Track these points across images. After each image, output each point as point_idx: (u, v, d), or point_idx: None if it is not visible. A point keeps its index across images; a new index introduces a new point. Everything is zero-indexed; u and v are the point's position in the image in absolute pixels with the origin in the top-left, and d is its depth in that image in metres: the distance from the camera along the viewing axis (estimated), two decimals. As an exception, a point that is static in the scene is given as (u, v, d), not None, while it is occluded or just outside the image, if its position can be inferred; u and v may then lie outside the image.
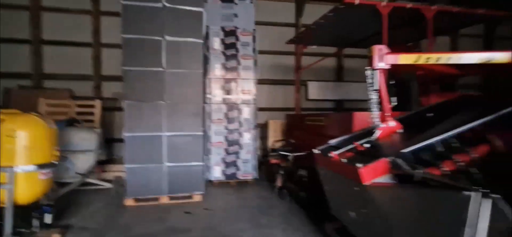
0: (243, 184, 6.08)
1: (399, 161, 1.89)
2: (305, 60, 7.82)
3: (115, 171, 6.26)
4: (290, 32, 8.53)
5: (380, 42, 4.11)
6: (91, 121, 6.62)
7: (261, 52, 8.15)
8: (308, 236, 3.59)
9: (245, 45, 6.18)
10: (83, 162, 5.61)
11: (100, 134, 6.16)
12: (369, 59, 2.37)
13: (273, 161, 6.01)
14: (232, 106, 6.07)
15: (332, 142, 2.73)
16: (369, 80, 2.32)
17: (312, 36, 5.79)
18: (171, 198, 4.96)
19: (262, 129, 7.91)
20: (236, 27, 6.14)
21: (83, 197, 5.10)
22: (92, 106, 6.75)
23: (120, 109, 7.23)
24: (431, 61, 2.32)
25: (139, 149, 4.77)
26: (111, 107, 7.81)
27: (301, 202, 4.72)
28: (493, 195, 1.25)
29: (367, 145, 2.29)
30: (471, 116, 2.39)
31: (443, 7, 3.67)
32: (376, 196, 1.88)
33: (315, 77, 8.53)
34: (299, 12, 8.53)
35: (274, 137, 7.46)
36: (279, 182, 5.42)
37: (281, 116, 7.84)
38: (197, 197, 5.01)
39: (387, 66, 2.31)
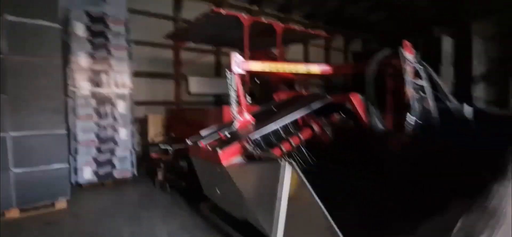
0: (121, 183, 5.76)
1: (247, 144, 2.51)
2: (185, 55, 8.03)
3: None
4: (169, 25, 8.48)
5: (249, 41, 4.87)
6: None
7: (139, 43, 7.79)
8: (187, 219, 3.96)
9: (116, 35, 5.76)
10: None
11: None
12: (229, 64, 2.91)
13: (154, 155, 6.00)
14: (104, 100, 5.59)
15: (203, 133, 3.16)
16: (229, 82, 2.86)
17: (190, 33, 6.06)
18: (23, 210, 4.19)
19: (142, 124, 7.62)
20: (105, 14, 5.64)
21: None
22: None
23: None
24: (274, 69, 3.11)
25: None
26: None
27: (182, 192, 5.03)
28: (292, 162, 1.98)
29: (228, 134, 2.84)
30: (300, 108, 3.34)
31: (288, 25, 4.82)
32: (231, 173, 2.44)
33: (196, 72, 8.86)
34: (177, 6, 8.56)
35: (154, 132, 7.34)
36: (160, 176, 5.50)
37: (162, 110, 7.78)
38: (61, 204, 4.42)
39: (242, 72, 2.91)
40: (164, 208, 4.45)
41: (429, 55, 9.30)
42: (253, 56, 6.35)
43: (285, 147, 3.22)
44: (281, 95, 4.39)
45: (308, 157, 3.49)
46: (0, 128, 3.94)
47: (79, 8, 5.37)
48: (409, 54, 2.63)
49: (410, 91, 2.55)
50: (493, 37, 11.10)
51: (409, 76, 2.57)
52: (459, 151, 2.12)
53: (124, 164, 5.78)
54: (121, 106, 5.79)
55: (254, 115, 3.13)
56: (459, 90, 8.92)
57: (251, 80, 5.02)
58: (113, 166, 5.67)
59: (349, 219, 1.98)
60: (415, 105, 2.53)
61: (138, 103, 7.23)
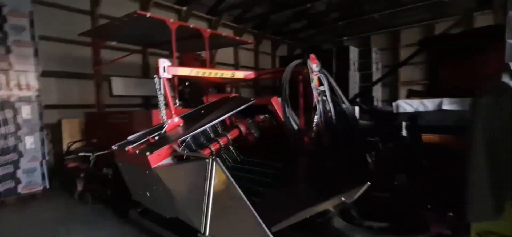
0: (27, 199, 5.04)
1: (175, 146, 2.65)
2: (107, 54, 7.42)
3: None
4: (85, 21, 7.69)
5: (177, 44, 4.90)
6: None
7: (47, 38, 6.85)
8: (115, 229, 3.80)
9: (18, 29, 5.03)
10: None
11: None
12: (156, 69, 2.97)
13: (71, 165, 5.43)
14: (2, 105, 4.81)
15: (130, 137, 3.12)
16: (157, 86, 2.93)
17: (113, 32, 5.69)
18: None
19: (54, 130, 6.72)
20: (2, 5, 4.85)
21: None
22: None
23: None
24: (200, 74, 3.30)
25: None
26: None
27: (106, 201, 4.73)
28: (217, 159, 2.23)
29: (157, 137, 2.91)
30: (227, 110, 3.61)
31: (215, 31, 5.04)
32: (161, 175, 2.53)
33: (120, 72, 8.26)
34: (96, 0, 7.83)
35: (70, 138, 6.58)
36: (80, 186, 5.04)
37: (79, 114, 7.01)
38: None
39: (169, 76, 3.01)
40: (86, 221, 4.14)
41: (341, 62, 10.91)
42: (181, 59, 6.38)
43: (214, 147, 3.44)
44: (210, 98, 4.60)
45: (235, 155, 3.80)
46: None
47: (-36, -6, 4.50)
48: (314, 65, 3.20)
49: (315, 96, 3.11)
50: (386, 48, 13.65)
51: (314, 83, 3.13)
52: (346, 143, 2.78)
53: (32, 177, 5.08)
54: (26, 111, 5.07)
55: (183, 117, 3.25)
56: (362, 91, 10.72)
57: (181, 83, 5.06)
58: (18, 181, 4.92)
59: (267, 203, 2.35)
60: (319, 108, 3.10)
61: (49, 106, 6.40)
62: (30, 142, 5.08)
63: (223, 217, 2.27)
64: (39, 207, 4.78)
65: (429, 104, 3.42)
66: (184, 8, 9.73)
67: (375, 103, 11.07)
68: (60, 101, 7.24)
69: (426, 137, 3.15)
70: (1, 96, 4.79)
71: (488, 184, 1.54)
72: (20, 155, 4.96)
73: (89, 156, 5.08)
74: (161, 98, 2.99)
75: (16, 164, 4.91)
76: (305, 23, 12.95)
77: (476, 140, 1.58)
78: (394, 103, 4.57)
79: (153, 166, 2.51)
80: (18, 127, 4.96)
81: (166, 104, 3.05)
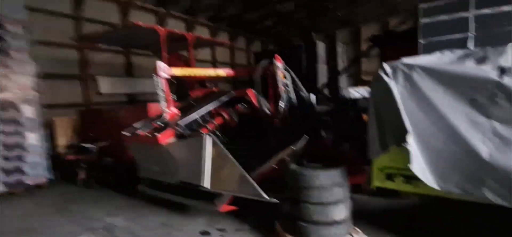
0: (35, 189, 5.62)
1: (178, 128, 3.54)
2: (91, 55, 7.94)
3: None
4: (68, 24, 8.10)
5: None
6: None
7: (38, 43, 7.22)
8: (125, 199, 4.60)
9: (15, 36, 5.54)
10: None
11: None
12: (155, 69, 3.79)
13: (71, 157, 6.06)
14: (6, 106, 5.33)
15: (136, 125, 3.94)
16: (157, 84, 3.75)
17: (104, 37, 6.31)
18: None
19: (46, 128, 7.19)
20: (1, 15, 5.34)
21: None
22: None
23: None
24: (192, 74, 4.17)
25: None
26: None
27: (109, 185, 5.48)
28: (210, 134, 3.15)
29: (161, 124, 3.76)
30: (212, 101, 4.52)
31: (199, 35, 5.85)
32: (168, 149, 3.41)
33: (105, 72, 8.76)
34: (78, 4, 8.25)
35: (63, 135, 7.12)
36: (82, 175, 5.72)
37: (68, 113, 7.51)
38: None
39: (167, 76, 3.85)
40: (94, 199, 4.88)
41: (309, 56, 12.05)
42: (167, 60, 7.12)
43: (203, 131, 4.35)
44: (197, 92, 5.46)
45: (221, 137, 4.73)
46: None
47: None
48: (279, 63, 4.18)
49: (280, 87, 4.10)
50: (349, 42, 15.11)
51: (279, 77, 4.11)
52: (304, 121, 3.87)
53: (37, 170, 5.66)
54: (28, 111, 5.63)
55: (179, 108, 4.11)
56: (330, 82, 11.97)
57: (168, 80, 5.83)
58: (24, 173, 5.50)
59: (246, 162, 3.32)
60: (284, 96, 4.10)
61: (45, 106, 6.88)
62: (32, 138, 5.64)
63: (218, 175, 3.22)
64: (47, 194, 5.41)
65: (365, 92, 4.57)
66: (163, 10, 10.34)
67: (342, 92, 12.44)
68: (50, 101, 7.67)
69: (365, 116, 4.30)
70: (4, 98, 5.31)
71: (377, 135, 2.62)
72: (25, 150, 5.53)
73: (89, 148, 5.78)
74: (161, 94, 3.83)
75: (21, 158, 5.48)
76: (275, 21, 13.98)
77: (370, 108, 2.67)
78: (345, 91, 5.71)
79: (162, 143, 3.39)
80: (21, 125, 5.51)
81: (165, 98, 3.90)
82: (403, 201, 3.96)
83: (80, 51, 7.54)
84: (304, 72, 11.50)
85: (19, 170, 5.43)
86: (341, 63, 13.86)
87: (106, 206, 4.49)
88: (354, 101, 4.44)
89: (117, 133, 5.42)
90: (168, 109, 3.87)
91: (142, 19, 9.92)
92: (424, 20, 4.80)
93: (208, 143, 3.18)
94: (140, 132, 3.59)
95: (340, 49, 13.75)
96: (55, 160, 6.65)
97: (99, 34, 6.01)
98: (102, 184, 5.59)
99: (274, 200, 2.93)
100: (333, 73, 12.79)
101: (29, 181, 5.54)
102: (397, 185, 2.84)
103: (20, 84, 5.56)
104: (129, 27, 5.09)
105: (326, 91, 10.43)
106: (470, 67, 2.29)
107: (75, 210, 4.44)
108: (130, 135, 3.78)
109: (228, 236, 3.29)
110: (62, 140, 7.04)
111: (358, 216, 3.12)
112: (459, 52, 2.49)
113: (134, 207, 4.40)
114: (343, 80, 13.70)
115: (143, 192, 4.26)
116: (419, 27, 4.82)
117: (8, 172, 5.29)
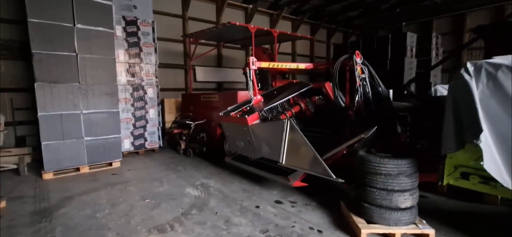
0: (150, 152, 7.39)
1: (262, 112, 4.23)
2: (191, 48, 9.50)
3: (14, 155, 6.05)
4: (178, 23, 9.89)
5: (249, 40, 6.53)
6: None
7: (159, 39, 9.18)
8: (213, 169, 5.69)
9: (145, 34, 7.24)
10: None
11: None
12: (246, 63, 4.55)
13: (175, 131, 7.63)
14: (137, 87, 7.12)
15: (229, 108, 4.82)
16: (247, 75, 4.51)
17: (204, 34, 7.63)
18: (91, 168, 5.77)
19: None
20: (136, 18, 7.08)
21: (-15, 181, 5.05)
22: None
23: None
24: (275, 66, 4.80)
25: (55, 126, 5.26)
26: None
27: (203, 155, 6.73)
28: (291, 119, 3.69)
29: (248, 108, 4.53)
30: (292, 92, 5.07)
31: (283, 31, 6.48)
32: (253, 130, 4.14)
33: (201, 63, 10.37)
34: (185, 6, 9.94)
35: (169, 113, 8.91)
36: (183, 145, 7.17)
37: (173, 95, 9.32)
38: (116, 164, 6.03)
39: (256, 68, 4.56)
40: (192, 165, 6.15)
41: (396, 48, 11.18)
42: (254, 54, 8.04)
43: (282, 117, 4.96)
44: (278, 83, 6.10)
45: (298, 124, 5.26)
46: (77, 107, 5.45)
47: (118, 14, 6.79)
48: (358, 58, 4.36)
49: (358, 81, 4.29)
50: (448, 33, 13.23)
51: (357, 72, 4.30)
52: (379, 115, 4.01)
53: (153, 137, 7.39)
54: (150, 92, 7.34)
55: (263, 95, 4.82)
56: (418, 76, 10.90)
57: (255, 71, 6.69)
58: (145, 139, 7.27)
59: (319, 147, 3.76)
60: (360, 90, 4.29)
61: (162, 90, 8.74)
62: (152, 113, 7.36)
63: (293, 154, 3.78)
64: (159, 157, 7.04)
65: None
66: (250, 6, 11.34)
67: (430, 88, 11.19)
68: (162, 86, 9.64)
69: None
70: (136, 82, 7.09)
71: (453, 131, 2.66)
72: (147, 121, 7.28)
73: (190, 124, 7.16)
74: (250, 83, 4.59)
75: (144, 128, 7.24)
76: (361, 11, 13.39)
77: (447, 104, 2.72)
78: (433, 88, 5.41)
79: (249, 124, 4.14)
80: (145, 102, 7.25)
81: (253, 87, 4.64)
82: (486, 206, 3.72)
83: (187, 47, 9.17)
84: (390, 66, 10.81)
85: (142, 136, 7.21)
86: (435, 57, 12.38)
87: (202, 171, 5.64)
88: (439, 99, 4.24)
89: (210, 113, 6.60)
90: (255, 96, 4.61)
91: (233, 15, 11.22)
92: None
93: (288, 126, 3.75)
94: (233, 113, 4.43)
95: (435, 40, 12.28)
96: (163, 132, 8.45)
97: (202, 32, 7.26)
98: (197, 154, 6.91)
99: (341, 180, 3.31)
100: (424, 68, 11.58)
101: (147, 145, 7.29)
102: (472, 184, 2.78)
103: (147, 71, 7.28)
104: (227, 26, 6.07)
105: (412, 87, 9.65)
106: None
107: (180, 170, 5.73)
108: (224, 115, 4.67)
109: (298, 208, 3.84)
110: (169, 116, 8.85)
111: (430, 214, 3.19)
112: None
113: (222, 174, 5.40)
114: (437, 75, 12.25)
115: (230, 163, 5.19)
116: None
117: (136, 137, 7.10)
